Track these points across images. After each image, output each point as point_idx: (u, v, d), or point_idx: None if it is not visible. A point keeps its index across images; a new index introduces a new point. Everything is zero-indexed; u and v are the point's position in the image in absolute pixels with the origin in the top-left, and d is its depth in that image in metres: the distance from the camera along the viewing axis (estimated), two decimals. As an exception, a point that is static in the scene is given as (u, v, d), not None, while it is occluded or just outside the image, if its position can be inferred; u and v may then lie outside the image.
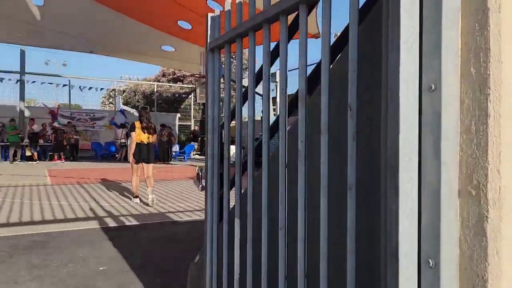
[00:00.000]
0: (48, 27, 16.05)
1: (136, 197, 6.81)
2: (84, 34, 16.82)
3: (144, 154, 6.72)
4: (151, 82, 26.69)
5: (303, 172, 1.26)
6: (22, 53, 19.26)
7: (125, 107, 21.63)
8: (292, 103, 1.76)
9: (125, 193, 7.57)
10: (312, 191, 1.23)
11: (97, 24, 16.07)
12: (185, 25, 14.68)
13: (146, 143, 6.73)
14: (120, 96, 24.46)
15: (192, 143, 20.92)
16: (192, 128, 24.07)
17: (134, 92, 27.19)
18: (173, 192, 8.00)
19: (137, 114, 21.43)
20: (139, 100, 26.83)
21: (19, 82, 18.92)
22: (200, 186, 2.53)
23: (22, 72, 19.07)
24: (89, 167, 13.93)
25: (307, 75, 1.32)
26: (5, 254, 3.64)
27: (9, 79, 19.41)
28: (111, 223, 5.07)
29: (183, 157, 18.81)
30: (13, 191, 7.68)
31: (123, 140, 17.22)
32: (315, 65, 1.74)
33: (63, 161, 16.32)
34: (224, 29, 1.86)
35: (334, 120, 1.20)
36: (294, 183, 1.29)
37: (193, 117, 24.74)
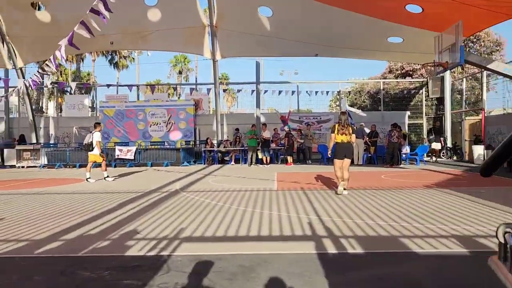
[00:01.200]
0: (276, 36, 16.85)
1: (337, 187, 7.90)
2: (310, 37, 16.94)
3: (342, 151, 7.91)
4: (376, 80, 25.25)
5: None
6: (257, 65, 21.12)
7: (351, 108, 20.98)
8: None
9: (348, 203, 6.60)
10: None
11: (322, 25, 15.87)
12: (414, 8, 12.75)
13: (344, 142, 7.89)
14: (346, 98, 24.01)
15: (428, 143, 18.54)
16: (426, 128, 21.45)
17: (359, 92, 26.33)
18: (406, 204, 6.52)
19: (363, 114, 20.61)
20: (365, 100, 25.79)
21: (255, 92, 20.77)
22: None
23: (258, 82, 20.88)
24: (315, 170, 13.73)
25: None
26: (207, 284, 3.13)
27: (245, 90, 21.65)
28: (330, 247, 4.12)
29: (415, 159, 16.73)
30: (242, 196, 7.80)
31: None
32: None
33: (291, 164, 16.83)
34: None
35: None
36: None
37: (425, 114, 22.04)
